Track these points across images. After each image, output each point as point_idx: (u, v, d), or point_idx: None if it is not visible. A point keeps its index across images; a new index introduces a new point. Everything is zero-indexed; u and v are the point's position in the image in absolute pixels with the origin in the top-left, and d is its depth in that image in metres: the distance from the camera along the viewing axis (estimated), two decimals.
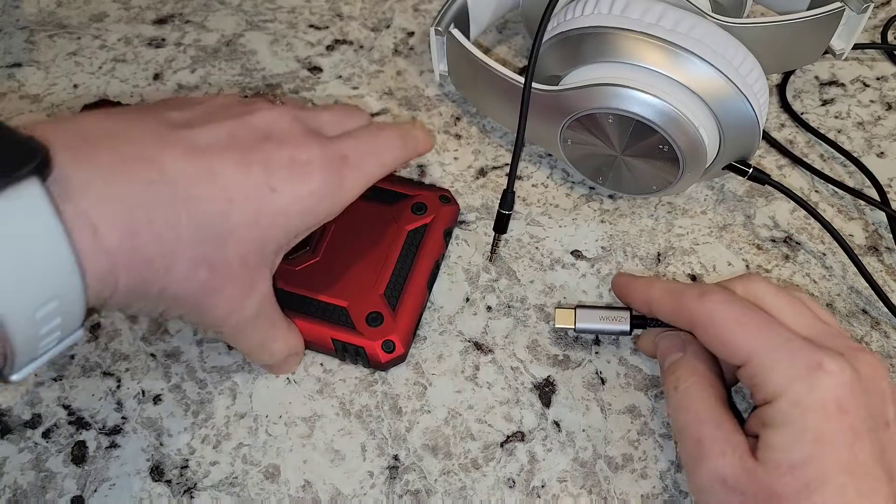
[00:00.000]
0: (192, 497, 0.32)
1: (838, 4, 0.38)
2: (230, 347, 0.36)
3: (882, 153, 0.43)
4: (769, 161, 0.43)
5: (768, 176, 0.38)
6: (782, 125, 0.45)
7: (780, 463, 0.25)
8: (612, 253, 0.39)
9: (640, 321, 0.34)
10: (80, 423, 0.34)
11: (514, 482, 0.32)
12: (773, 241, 0.40)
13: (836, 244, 0.38)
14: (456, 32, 0.40)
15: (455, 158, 0.43)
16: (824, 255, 0.39)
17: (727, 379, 0.33)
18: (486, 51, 0.48)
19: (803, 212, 0.39)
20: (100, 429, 0.34)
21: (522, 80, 0.36)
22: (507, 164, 0.43)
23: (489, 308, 0.37)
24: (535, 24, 0.36)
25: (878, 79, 0.47)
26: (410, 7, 0.51)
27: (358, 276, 0.36)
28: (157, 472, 0.33)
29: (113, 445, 0.33)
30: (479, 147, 0.43)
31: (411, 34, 0.49)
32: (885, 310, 0.36)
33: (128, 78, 0.47)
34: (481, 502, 0.32)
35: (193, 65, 0.47)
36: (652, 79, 0.34)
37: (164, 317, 0.28)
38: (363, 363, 0.35)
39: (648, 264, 0.39)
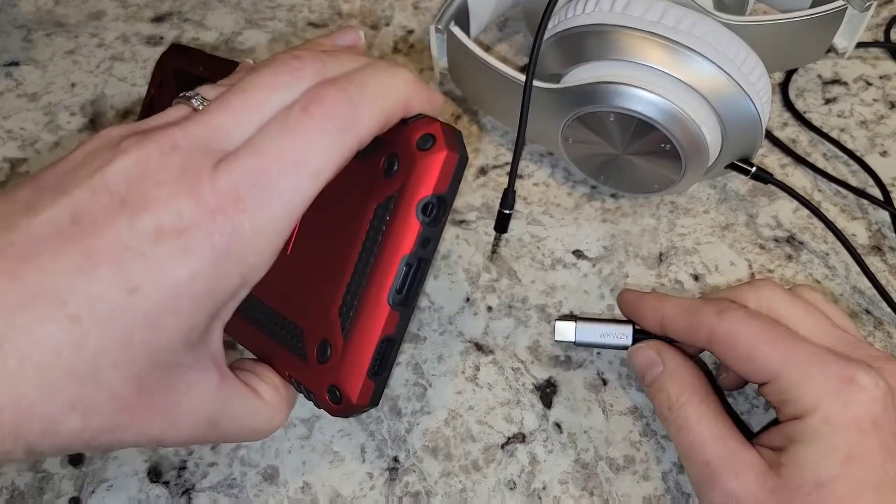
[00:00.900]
0: (190, 499, 0.32)
1: (841, 3, 0.38)
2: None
3: (885, 152, 0.43)
4: (772, 160, 0.43)
5: (771, 175, 0.37)
6: (785, 124, 0.44)
7: (804, 481, 0.25)
8: (613, 253, 0.39)
9: (643, 336, 0.33)
10: None
11: (514, 484, 0.32)
12: (776, 240, 0.39)
13: (839, 244, 0.37)
14: (456, 30, 0.40)
15: None
16: (827, 254, 0.39)
17: (726, 385, 0.33)
18: (487, 49, 0.48)
19: (806, 211, 0.39)
20: None
21: (523, 78, 0.36)
22: (507, 163, 0.42)
23: (490, 308, 0.37)
24: (535, 22, 0.36)
25: (881, 77, 0.46)
26: (410, 5, 0.50)
27: (320, 282, 0.25)
28: (154, 474, 0.32)
29: None
30: (479, 145, 0.43)
31: (411, 32, 0.49)
32: (889, 310, 0.36)
33: (126, 76, 0.46)
34: None
35: None
36: (654, 77, 0.34)
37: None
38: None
39: (650, 264, 0.38)
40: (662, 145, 0.35)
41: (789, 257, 0.39)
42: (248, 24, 0.49)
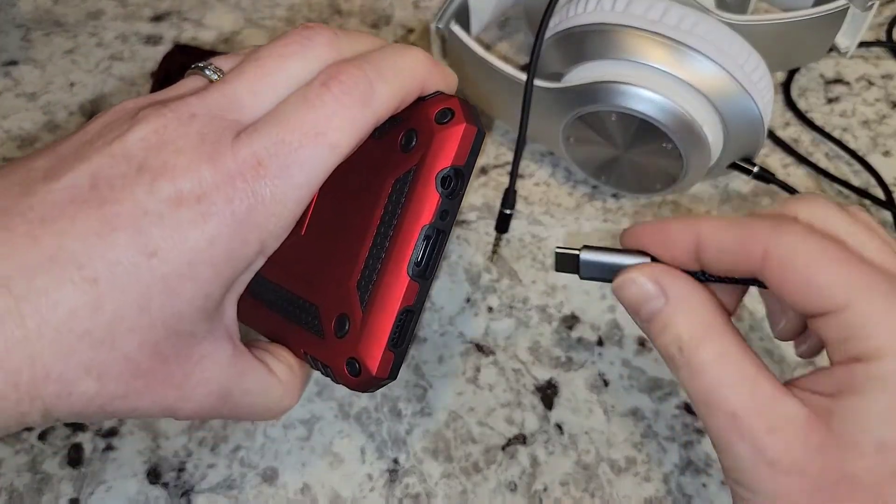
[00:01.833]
0: (189, 500, 0.32)
1: (843, 2, 0.37)
2: None
3: (887, 152, 0.43)
4: (774, 160, 0.42)
5: (773, 175, 0.37)
6: (787, 123, 0.44)
7: (861, 440, 0.20)
8: None
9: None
10: (76, 425, 0.33)
11: (515, 486, 0.32)
12: None
13: None
14: (457, 29, 0.40)
15: None
16: None
17: (786, 332, 0.26)
18: (488, 47, 0.48)
19: None
20: (96, 431, 0.33)
21: (524, 77, 0.36)
22: (508, 163, 0.42)
23: (490, 309, 0.37)
24: (536, 21, 0.36)
25: (883, 77, 0.46)
26: (410, 3, 0.50)
27: (336, 259, 0.25)
28: (153, 475, 0.32)
29: (109, 448, 0.33)
30: None
31: (411, 31, 0.49)
32: None
33: (125, 76, 0.46)
34: None
35: None
36: (655, 76, 0.34)
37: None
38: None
39: None
40: (664, 145, 0.35)
41: None
42: (248, 23, 0.49)
